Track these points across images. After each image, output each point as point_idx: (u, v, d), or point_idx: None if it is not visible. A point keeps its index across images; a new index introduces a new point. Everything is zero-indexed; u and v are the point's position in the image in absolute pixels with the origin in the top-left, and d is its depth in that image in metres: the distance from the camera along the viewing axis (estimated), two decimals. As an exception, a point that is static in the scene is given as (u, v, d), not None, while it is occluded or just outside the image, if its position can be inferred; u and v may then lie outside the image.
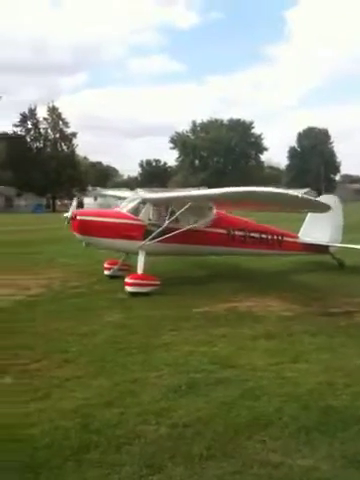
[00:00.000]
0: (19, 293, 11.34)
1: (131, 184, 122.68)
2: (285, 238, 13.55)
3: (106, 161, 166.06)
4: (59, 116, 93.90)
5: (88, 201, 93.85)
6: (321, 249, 13.91)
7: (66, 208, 16.69)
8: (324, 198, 13.72)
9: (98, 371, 6.34)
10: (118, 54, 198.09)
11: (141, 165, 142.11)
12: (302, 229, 14.23)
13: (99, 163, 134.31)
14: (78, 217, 11.33)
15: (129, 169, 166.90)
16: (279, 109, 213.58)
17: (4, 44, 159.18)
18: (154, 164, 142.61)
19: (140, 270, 11.21)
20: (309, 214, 13.94)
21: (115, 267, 12.83)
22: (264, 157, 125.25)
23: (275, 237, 13.35)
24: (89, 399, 5.46)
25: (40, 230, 32.17)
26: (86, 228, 11.39)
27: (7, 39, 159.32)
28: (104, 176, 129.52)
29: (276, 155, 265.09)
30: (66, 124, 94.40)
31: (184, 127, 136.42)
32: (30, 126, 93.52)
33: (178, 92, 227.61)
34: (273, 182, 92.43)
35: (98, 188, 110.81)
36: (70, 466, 4.17)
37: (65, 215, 12.13)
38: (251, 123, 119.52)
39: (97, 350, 7.20)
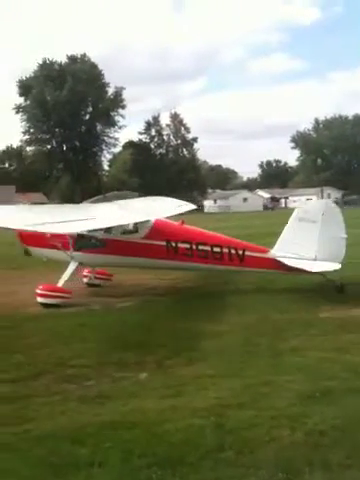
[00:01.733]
0: (144, 292, 11.83)
1: (251, 185, 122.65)
2: (248, 252, 11.13)
3: (225, 164, 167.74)
4: (181, 122, 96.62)
5: (208, 204, 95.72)
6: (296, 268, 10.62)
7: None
8: (311, 203, 11.39)
9: (229, 371, 6.37)
10: (237, 56, 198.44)
11: (261, 166, 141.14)
12: (278, 240, 11.15)
13: (218, 166, 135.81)
14: None
15: (248, 171, 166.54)
16: None
17: (132, 55, 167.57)
18: (274, 165, 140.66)
19: (62, 281, 10.78)
20: (289, 221, 11.06)
21: (91, 275, 12.65)
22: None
23: (233, 251, 11.09)
24: (221, 399, 5.49)
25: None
26: (23, 237, 11.76)
27: (134, 50, 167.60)
28: (223, 179, 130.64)
29: None
30: (187, 130, 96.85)
31: (306, 126, 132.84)
32: (154, 133, 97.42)
33: (299, 90, 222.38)
34: None
35: (218, 191, 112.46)
36: (206, 464, 4.21)
37: None
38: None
39: (227, 350, 7.24)
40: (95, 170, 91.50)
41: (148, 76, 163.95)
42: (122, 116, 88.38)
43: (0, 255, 19.35)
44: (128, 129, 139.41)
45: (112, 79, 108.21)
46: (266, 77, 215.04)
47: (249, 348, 7.36)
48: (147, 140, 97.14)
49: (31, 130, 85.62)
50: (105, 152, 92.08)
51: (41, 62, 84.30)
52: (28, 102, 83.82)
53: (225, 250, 11.08)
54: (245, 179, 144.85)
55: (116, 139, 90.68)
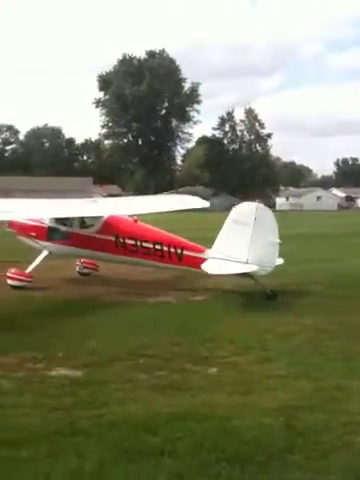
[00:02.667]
0: (217, 287, 11.86)
1: (325, 184, 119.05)
2: (186, 252, 11.02)
3: (299, 160, 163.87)
4: (255, 118, 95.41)
5: (280, 201, 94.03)
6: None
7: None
8: (243, 206, 10.70)
9: (299, 373, 6.27)
10: (315, 51, 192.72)
11: (337, 164, 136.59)
12: (216, 241, 10.80)
13: (292, 163, 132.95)
14: None
15: (324, 168, 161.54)
16: None
17: (209, 50, 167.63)
18: (351, 163, 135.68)
19: (31, 267, 11.94)
20: (226, 222, 10.65)
21: (80, 265, 13.48)
22: None
23: (173, 249, 11.07)
24: (292, 400, 5.42)
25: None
26: (11, 224, 13.01)
27: (212, 45, 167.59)
28: (297, 176, 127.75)
29: None
30: (261, 125, 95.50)
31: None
32: (227, 129, 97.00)
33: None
34: None
35: (290, 188, 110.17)
36: (275, 464, 4.18)
37: None
38: None
39: (298, 352, 7.14)
40: (169, 165, 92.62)
41: (224, 71, 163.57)
42: (197, 111, 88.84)
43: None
44: (202, 124, 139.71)
45: (189, 74, 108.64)
46: (343, 72, 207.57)
47: (321, 350, 7.20)
48: (221, 135, 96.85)
49: (109, 124, 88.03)
50: (179, 147, 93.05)
51: (121, 58, 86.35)
52: (107, 96, 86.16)
53: (165, 248, 11.22)
54: (319, 177, 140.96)
55: (190, 134, 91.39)
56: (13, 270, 11.94)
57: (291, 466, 4.18)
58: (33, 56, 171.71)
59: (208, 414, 5.05)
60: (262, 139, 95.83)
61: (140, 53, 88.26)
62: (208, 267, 10.36)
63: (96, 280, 12.31)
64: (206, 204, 16.90)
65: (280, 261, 10.53)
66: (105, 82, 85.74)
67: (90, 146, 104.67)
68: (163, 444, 4.40)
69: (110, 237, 11.79)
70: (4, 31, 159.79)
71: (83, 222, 12.47)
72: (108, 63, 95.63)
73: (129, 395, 5.60)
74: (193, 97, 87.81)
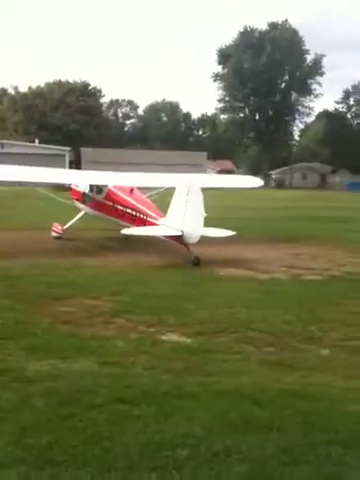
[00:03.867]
0: (335, 268, 11.37)
1: None
2: (148, 219, 12.92)
3: None
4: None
5: None
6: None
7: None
8: (180, 183, 12.08)
9: None
10: None
11: None
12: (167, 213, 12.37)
13: None
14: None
15: None
16: None
17: (336, 21, 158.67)
18: None
19: (68, 224, 15.00)
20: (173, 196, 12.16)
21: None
22: None
23: (141, 215, 13.20)
24: None
25: (354, 208, 31.35)
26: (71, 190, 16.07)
27: (339, 16, 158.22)
28: None
29: None
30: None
31: None
32: (352, 103, 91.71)
33: None
34: None
35: None
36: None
37: None
38: None
39: None
40: (285, 140, 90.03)
41: (351, 43, 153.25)
42: (319, 84, 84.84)
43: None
44: (324, 98, 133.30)
45: (313, 46, 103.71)
46: None
47: None
48: (344, 110, 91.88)
49: (226, 98, 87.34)
50: (298, 122, 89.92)
51: (241, 30, 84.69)
52: (226, 70, 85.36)
53: (137, 214, 13.34)
54: None
55: (310, 108, 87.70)
56: (55, 224, 15.13)
57: None
58: (151, 31, 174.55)
59: (320, 395, 4.86)
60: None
61: (262, 25, 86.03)
62: (132, 231, 12.69)
63: (206, 257, 12.29)
64: (258, 183, 18.98)
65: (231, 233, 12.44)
66: (224, 56, 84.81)
67: (206, 121, 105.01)
68: (271, 419, 4.32)
69: (110, 203, 14.36)
70: (123, 6, 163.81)
71: (100, 190, 14.80)
72: (228, 36, 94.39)
73: (237, 367, 5.58)
74: (316, 69, 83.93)
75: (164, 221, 12.11)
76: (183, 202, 11.56)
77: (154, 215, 12.81)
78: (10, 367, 5.32)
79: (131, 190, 14.07)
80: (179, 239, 11.59)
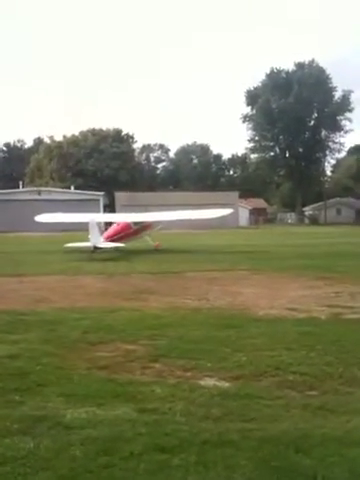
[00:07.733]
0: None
1: None
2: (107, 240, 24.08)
3: None
4: None
5: None
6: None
7: None
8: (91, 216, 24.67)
9: None
10: None
11: None
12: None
13: None
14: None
15: None
16: None
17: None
18: None
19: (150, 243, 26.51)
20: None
21: None
22: None
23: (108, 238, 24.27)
24: None
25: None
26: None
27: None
28: None
29: None
30: None
31: None
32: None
33: None
34: None
35: None
36: None
37: None
38: None
39: None
40: (317, 176, 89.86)
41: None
42: (349, 120, 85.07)
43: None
44: (355, 133, 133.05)
45: (342, 82, 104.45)
46: None
47: None
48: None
49: (256, 138, 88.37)
50: (328, 158, 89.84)
51: (269, 72, 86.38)
52: (254, 111, 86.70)
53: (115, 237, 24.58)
54: None
55: (341, 144, 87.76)
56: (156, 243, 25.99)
57: None
58: (180, 77, 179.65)
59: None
60: None
61: (289, 65, 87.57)
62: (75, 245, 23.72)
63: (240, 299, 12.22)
64: (226, 212, 26.99)
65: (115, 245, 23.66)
66: (252, 97, 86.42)
67: (237, 161, 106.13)
68: (316, 467, 4.16)
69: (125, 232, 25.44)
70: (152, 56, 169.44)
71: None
72: (255, 78, 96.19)
73: (279, 412, 5.43)
74: (345, 105, 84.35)
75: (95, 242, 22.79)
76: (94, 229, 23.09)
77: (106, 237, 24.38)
78: (49, 414, 5.32)
79: (118, 223, 26.12)
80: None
